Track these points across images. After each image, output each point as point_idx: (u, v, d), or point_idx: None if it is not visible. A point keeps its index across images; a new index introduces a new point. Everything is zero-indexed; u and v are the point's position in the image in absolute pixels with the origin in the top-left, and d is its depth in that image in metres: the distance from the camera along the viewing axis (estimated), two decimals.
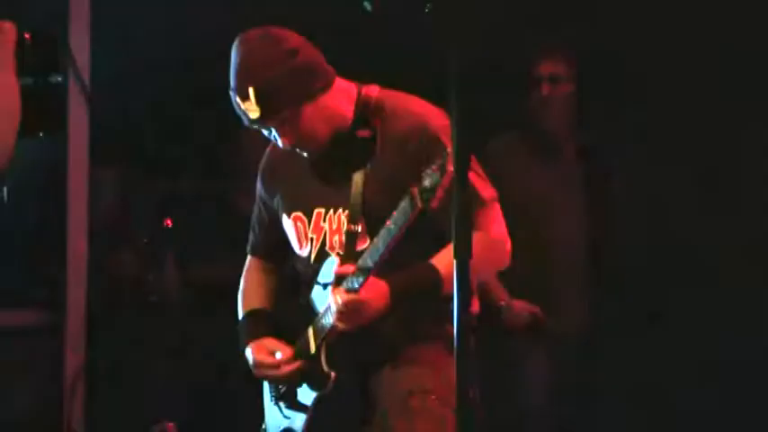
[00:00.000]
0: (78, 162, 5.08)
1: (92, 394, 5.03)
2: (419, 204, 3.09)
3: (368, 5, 2.97)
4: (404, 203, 3.14)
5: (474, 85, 2.69)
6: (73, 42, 5.03)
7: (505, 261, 3.50)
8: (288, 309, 3.62)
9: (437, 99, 3.34)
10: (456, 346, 2.68)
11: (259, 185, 3.69)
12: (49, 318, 5.05)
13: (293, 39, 3.38)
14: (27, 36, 1.25)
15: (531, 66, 4.92)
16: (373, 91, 3.48)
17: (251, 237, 3.75)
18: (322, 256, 3.48)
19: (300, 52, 3.35)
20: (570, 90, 4.91)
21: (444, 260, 3.28)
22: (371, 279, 3.28)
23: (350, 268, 3.32)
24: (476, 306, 3.48)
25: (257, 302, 3.68)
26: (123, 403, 5.03)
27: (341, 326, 3.33)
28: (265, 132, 3.45)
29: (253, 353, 3.55)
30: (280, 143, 3.42)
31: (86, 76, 5.03)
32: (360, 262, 3.29)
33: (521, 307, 4.83)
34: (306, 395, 3.49)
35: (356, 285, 3.27)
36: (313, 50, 3.40)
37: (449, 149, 3.01)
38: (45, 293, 5.10)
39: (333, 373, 3.39)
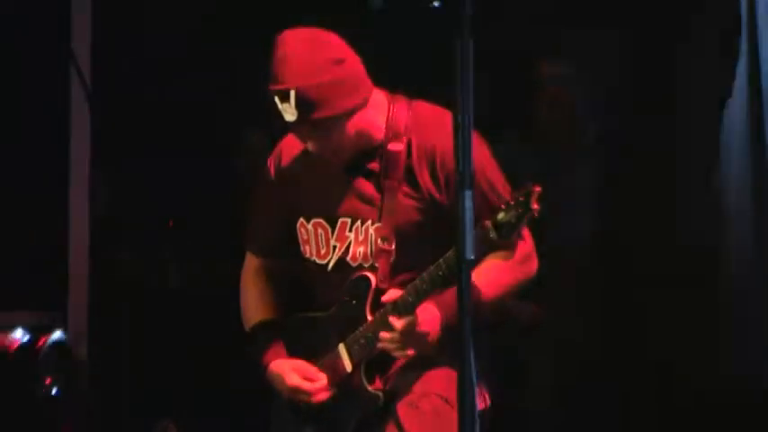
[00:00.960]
0: (79, 162, 5.07)
1: (93, 394, 5.02)
2: (493, 237, 3.10)
3: (375, 1, 2.97)
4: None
5: (478, 83, 2.68)
6: (75, 42, 5.03)
7: (532, 275, 3.49)
8: (301, 321, 3.57)
9: (440, 97, 3.33)
10: (459, 350, 2.67)
11: (269, 180, 3.62)
12: (50, 318, 5.04)
13: (340, 46, 3.33)
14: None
15: (533, 66, 4.91)
16: (404, 102, 3.44)
17: (252, 232, 3.68)
18: (341, 266, 3.45)
19: (346, 63, 3.31)
20: (572, 90, 4.91)
21: (483, 280, 3.27)
22: (427, 305, 3.27)
23: (397, 293, 3.30)
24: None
25: (267, 312, 3.62)
26: (124, 403, 5.02)
27: (394, 350, 3.31)
28: (296, 134, 3.41)
29: (284, 376, 3.49)
30: (309, 146, 3.38)
31: (87, 76, 5.02)
32: (417, 286, 3.26)
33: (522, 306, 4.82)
34: (341, 412, 3.46)
35: (411, 309, 3.25)
36: (357, 60, 3.35)
37: (536, 188, 3.05)
38: (47, 294, 5.10)
39: (381, 395, 3.39)
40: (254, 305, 3.62)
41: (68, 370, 4.37)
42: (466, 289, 2.69)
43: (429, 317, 3.27)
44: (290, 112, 3.26)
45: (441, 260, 3.21)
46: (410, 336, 3.26)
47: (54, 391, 4.09)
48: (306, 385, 3.44)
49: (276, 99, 3.27)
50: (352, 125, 3.32)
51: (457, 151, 2.69)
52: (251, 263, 3.66)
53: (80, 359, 4.89)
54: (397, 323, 3.25)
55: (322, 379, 3.44)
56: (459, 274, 2.69)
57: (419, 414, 3.37)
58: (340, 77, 3.27)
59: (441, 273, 3.21)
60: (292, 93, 3.24)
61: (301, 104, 3.24)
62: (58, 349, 4.26)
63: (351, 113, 3.31)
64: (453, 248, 3.15)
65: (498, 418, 3.41)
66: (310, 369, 3.46)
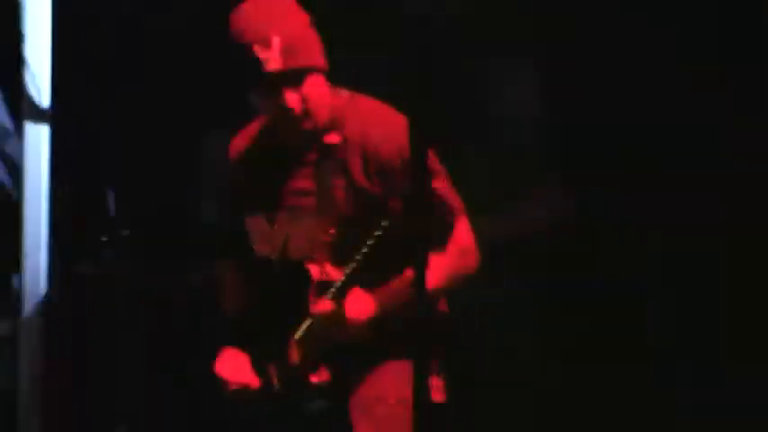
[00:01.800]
0: (35, 172, 5.07)
1: (48, 404, 5.00)
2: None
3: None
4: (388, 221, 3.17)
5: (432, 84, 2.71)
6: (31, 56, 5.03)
7: (474, 269, 3.54)
8: (252, 318, 3.60)
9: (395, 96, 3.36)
10: (415, 348, 2.70)
11: (229, 178, 3.67)
12: (5, 328, 5.03)
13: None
14: None
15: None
16: (345, 93, 3.48)
17: (222, 230, 3.73)
18: (283, 259, 3.48)
19: (311, 23, 3.39)
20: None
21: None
22: (357, 290, 3.29)
23: (329, 278, 3.33)
24: (445, 307, 3.53)
25: (231, 306, 3.66)
26: (81, 411, 5.01)
27: (327, 336, 3.33)
28: (267, 91, 3.41)
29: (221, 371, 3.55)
30: (286, 102, 3.37)
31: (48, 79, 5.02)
32: (345, 272, 3.29)
33: None
34: (292, 406, 3.47)
35: (341, 295, 3.28)
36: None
37: (438, 168, 3.11)
38: (2, 303, 5.08)
39: (326, 387, 3.42)
40: (221, 299, 3.67)
41: None
42: (420, 281, 2.72)
43: (359, 304, 3.31)
44: (273, 59, 3.28)
45: (363, 249, 3.24)
46: (334, 320, 3.29)
47: None
48: (234, 382, 3.48)
49: (256, 50, 3.29)
50: (319, 86, 3.36)
51: (411, 152, 2.72)
52: (224, 261, 3.73)
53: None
54: (327, 306, 3.29)
55: (251, 382, 3.47)
56: (414, 265, 2.72)
57: (372, 420, 3.39)
58: (311, 32, 3.33)
59: (365, 254, 3.24)
60: (275, 39, 3.27)
61: (285, 49, 3.27)
62: None
63: (321, 71, 3.35)
64: (372, 240, 3.21)
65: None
66: (243, 368, 3.49)
